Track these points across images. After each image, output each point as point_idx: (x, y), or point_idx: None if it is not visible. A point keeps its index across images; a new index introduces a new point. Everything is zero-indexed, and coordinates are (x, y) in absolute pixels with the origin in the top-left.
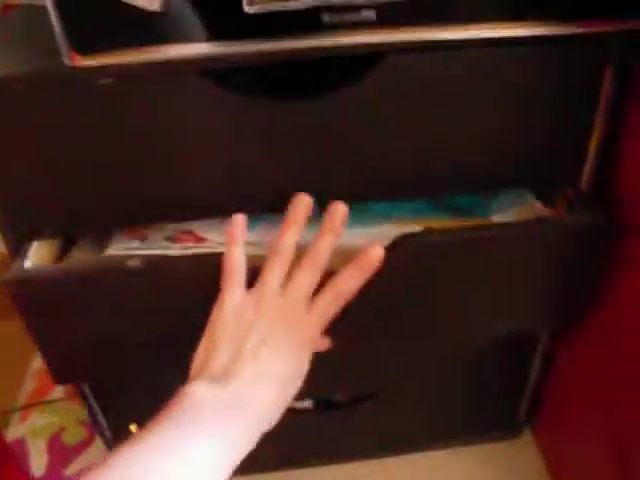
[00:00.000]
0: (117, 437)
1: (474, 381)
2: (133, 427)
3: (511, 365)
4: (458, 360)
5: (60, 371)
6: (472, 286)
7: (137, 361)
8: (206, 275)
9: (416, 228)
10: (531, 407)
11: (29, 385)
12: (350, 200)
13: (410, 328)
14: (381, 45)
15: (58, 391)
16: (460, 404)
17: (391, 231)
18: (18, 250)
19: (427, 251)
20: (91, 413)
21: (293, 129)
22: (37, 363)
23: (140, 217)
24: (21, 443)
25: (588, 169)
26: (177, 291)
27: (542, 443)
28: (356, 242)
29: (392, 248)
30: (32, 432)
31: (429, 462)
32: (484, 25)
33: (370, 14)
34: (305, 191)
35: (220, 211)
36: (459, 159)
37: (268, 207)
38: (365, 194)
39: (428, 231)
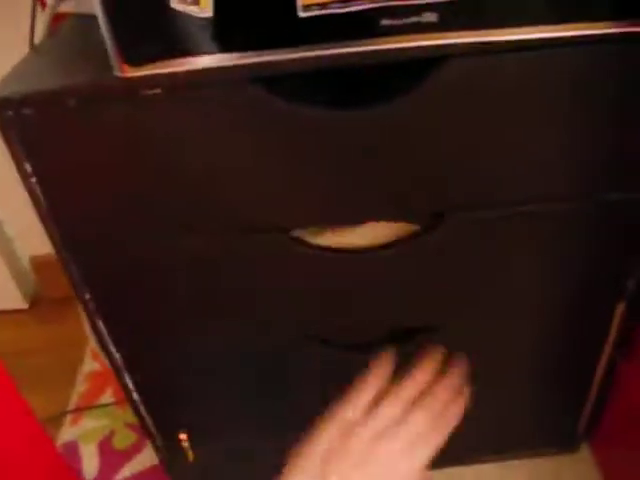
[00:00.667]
0: (167, 443)
1: (531, 391)
2: (183, 435)
3: (573, 375)
4: (515, 367)
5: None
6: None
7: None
8: None
9: None
10: (591, 421)
11: (80, 388)
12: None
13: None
14: (443, 48)
15: (108, 395)
16: (514, 415)
17: None
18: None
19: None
20: (140, 418)
21: (347, 140)
22: (88, 366)
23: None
24: (73, 446)
25: None
26: None
27: (601, 460)
28: None
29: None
30: (83, 435)
31: (477, 476)
32: (547, 26)
33: (431, 17)
34: (364, 205)
35: (268, 224)
36: (528, 165)
37: (321, 220)
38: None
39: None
